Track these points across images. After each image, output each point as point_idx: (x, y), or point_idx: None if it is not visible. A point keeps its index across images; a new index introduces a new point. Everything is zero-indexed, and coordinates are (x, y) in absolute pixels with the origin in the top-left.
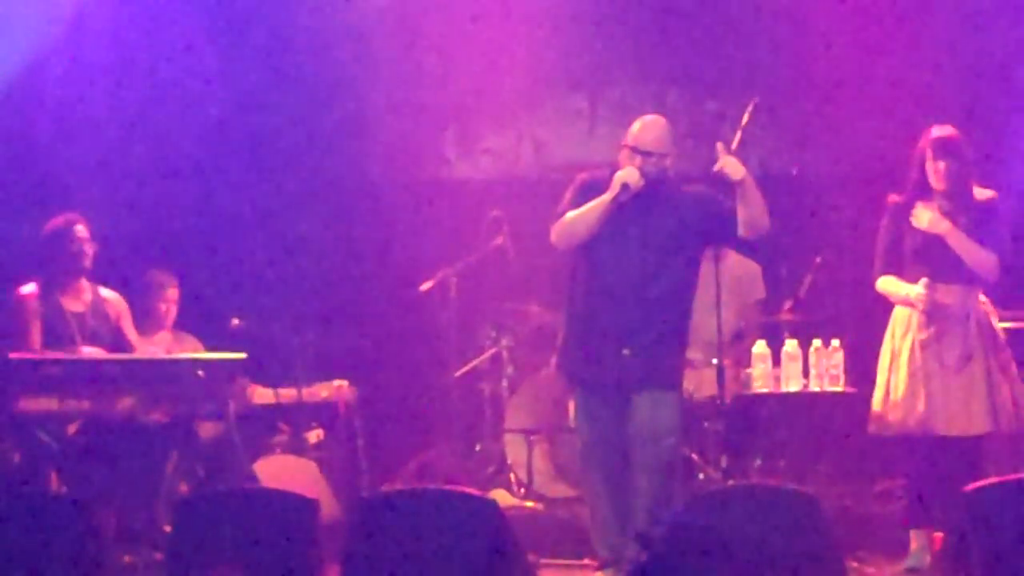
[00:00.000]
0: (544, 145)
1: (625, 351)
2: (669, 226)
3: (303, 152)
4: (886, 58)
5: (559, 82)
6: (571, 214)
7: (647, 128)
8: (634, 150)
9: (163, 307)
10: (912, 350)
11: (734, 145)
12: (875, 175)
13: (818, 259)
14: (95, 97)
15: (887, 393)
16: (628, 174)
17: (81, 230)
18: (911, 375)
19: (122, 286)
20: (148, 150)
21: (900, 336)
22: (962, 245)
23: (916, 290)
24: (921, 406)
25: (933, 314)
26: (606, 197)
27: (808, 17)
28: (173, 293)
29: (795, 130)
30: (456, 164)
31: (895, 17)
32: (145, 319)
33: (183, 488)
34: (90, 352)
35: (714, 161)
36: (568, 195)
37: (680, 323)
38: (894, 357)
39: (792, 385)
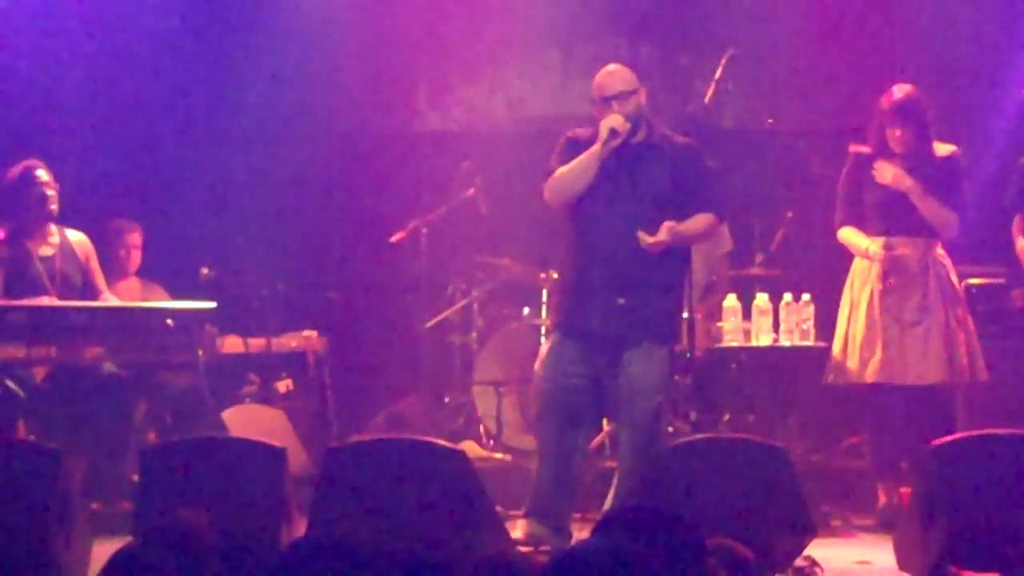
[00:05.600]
0: (516, 98)
1: (620, 300)
2: (659, 174)
3: (274, 103)
4: (860, 12)
5: (532, 35)
6: (562, 169)
7: (608, 75)
8: (606, 100)
9: (122, 252)
10: (871, 301)
11: (707, 98)
12: (848, 130)
13: (790, 214)
14: (67, 45)
15: (845, 343)
16: (613, 120)
17: (42, 174)
18: (869, 325)
19: (95, 235)
20: (119, 100)
21: (859, 287)
22: (924, 203)
23: (874, 247)
24: (878, 355)
25: (891, 267)
26: (596, 147)
27: None
28: (134, 238)
29: (769, 84)
30: (428, 116)
31: None
32: (108, 266)
33: (151, 437)
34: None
35: (686, 114)
36: (555, 154)
37: (676, 275)
38: (853, 307)
39: (762, 339)
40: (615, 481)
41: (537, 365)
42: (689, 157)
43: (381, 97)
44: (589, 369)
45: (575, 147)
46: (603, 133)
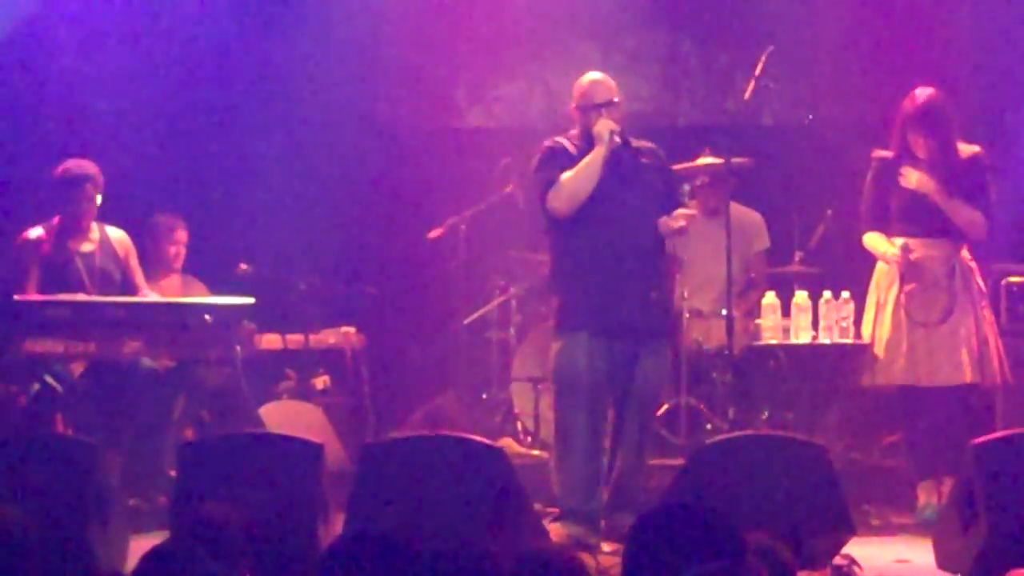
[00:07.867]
0: (555, 93)
1: (653, 294)
2: (651, 172)
3: (313, 99)
4: (899, 9)
5: (571, 31)
6: (568, 174)
7: (597, 83)
8: (594, 107)
9: (172, 250)
10: (896, 303)
11: (747, 95)
12: (889, 126)
13: (829, 211)
14: (107, 38)
15: (872, 345)
16: (608, 123)
17: (91, 188)
18: (895, 327)
19: (131, 228)
20: (158, 93)
21: (885, 288)
22: (950, 206)
23: (892, 251)
24: (904, 357)
25: (908, 271)
26: (600, 149)
27: None
28: (182, 235)
29: (808, 81)
30: (467, 112)
31: None
32: (154, 263)
33: (189, 433)
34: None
35: (726, 111)
36: (545, 164)
37: (668, 270)
38: (879, 309)
39: (802, 337)
40: (617, 465)
41: (561, 366)
42: (661, 158)
43: (421, 94)
44: (610, 363)
45: (563, 155)
46: (604, 135)
